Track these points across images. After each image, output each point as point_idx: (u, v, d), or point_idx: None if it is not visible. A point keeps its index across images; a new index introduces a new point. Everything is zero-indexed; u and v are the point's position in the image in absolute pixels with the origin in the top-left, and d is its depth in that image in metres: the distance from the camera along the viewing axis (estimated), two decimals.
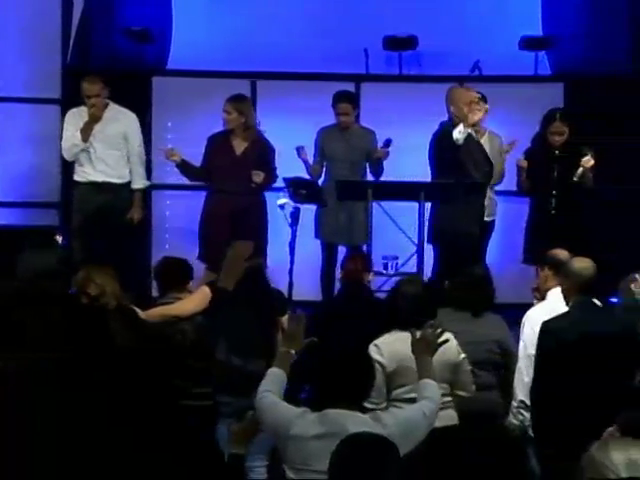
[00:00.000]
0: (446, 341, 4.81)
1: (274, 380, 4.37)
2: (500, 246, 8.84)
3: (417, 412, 4.29)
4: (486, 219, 8.30)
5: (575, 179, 7.63)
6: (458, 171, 7.70)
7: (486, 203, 8.27)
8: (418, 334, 4.64)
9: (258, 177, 8.07)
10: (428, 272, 7.92)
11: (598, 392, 5.14)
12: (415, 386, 4.53)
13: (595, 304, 5.55)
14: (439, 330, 4.65)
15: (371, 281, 7.12)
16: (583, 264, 5.63)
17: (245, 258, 4.02)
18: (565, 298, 5.64)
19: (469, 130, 7.54)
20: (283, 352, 4.47)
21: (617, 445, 2.92)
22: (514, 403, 5.87)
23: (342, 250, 8.50)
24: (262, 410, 4.29)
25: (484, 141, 8.22)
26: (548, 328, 5.50)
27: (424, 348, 4.55)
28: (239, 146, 8.23)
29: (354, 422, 4.01)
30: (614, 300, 6.33)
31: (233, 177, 8.12)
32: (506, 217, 8.85)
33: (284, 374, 4.40)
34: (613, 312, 5.77)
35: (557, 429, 5.20)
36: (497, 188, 8.58)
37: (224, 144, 8.22)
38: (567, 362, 5.31)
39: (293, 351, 4.46)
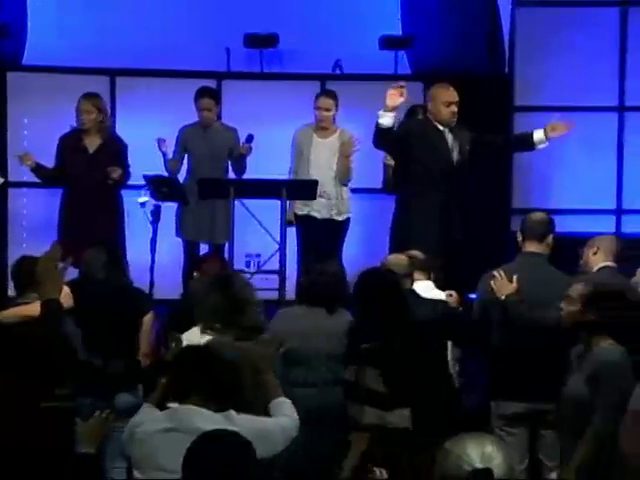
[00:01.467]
0: None
1: None
2: (364, 243, 8.93)
3: (274, 423, 4.17)
4: (339, 218, 8.34)
5: None
6: (408, 160, 7.59)
7: (334, 202, 8.31)
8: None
9: (115, 173, 8.00)
10: (290, 270, 7.95)
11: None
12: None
13: (417, 294, 5.88)
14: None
15: None
16: (398, 260, 5.99)
17: (56, 263, 3.90)
18: None
19: (393, 114, 7.37)
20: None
21: (473, 440, 3.05)
22: None
23: (204, 248, 8.47)
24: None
25: (334, 139, 8.28)
26: None
27: (264, 366, 4.34)
28: (92, 144, 8.16)
29: (203, 418, 3.90)
30: (473, 296, 6.45)
31: (87, 176, 8.05)
32: (371, 215, 8.95)
33: None
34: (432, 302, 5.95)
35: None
36: (361, 186, 8.67)
37: (76, 143, 8.16)
38: None
39: None
